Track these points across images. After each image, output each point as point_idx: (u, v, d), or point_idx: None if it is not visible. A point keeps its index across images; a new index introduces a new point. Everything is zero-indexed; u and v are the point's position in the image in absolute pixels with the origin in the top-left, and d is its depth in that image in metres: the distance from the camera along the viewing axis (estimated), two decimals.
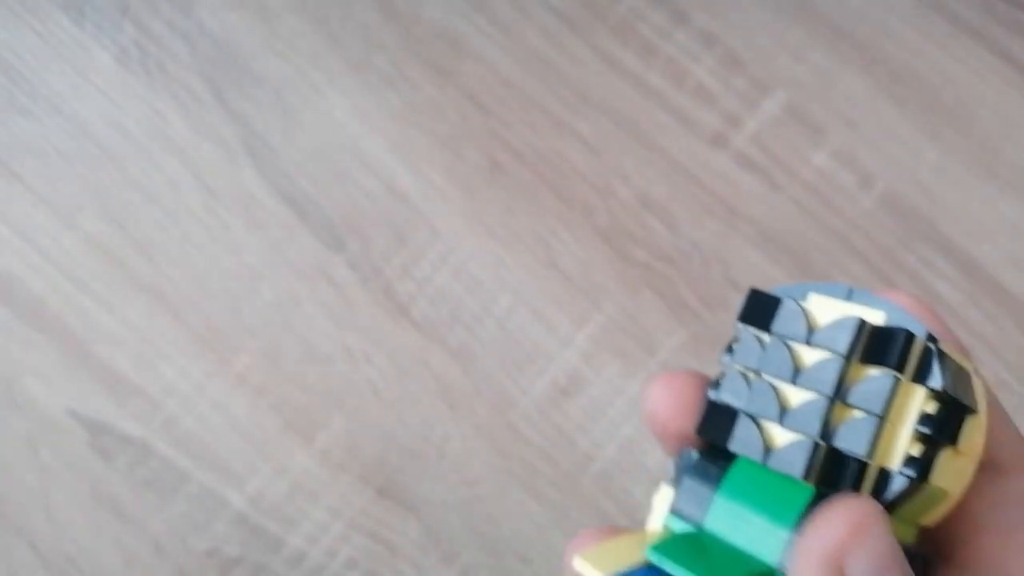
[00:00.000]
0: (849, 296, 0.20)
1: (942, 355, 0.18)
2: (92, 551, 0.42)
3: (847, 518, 0.16)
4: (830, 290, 0.20)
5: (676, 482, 0.20)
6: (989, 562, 0.18)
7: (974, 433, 0.19)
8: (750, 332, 0.20)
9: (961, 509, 0.19)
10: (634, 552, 0.19)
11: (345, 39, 0.45)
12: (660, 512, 0.21)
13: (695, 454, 0.20)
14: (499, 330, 0.43)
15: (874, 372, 0.18)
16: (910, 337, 0.18)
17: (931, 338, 0.19)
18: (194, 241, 0.44)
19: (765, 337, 0.20)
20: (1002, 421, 0.20)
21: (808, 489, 0.18)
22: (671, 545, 0.19)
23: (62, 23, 0.46)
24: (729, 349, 0.21)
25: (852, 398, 0.18)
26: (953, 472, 0.19)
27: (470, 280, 0.43)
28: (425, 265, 0.43)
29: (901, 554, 0.16)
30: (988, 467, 0.20)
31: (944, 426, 0.18)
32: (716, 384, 0.20)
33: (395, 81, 0.45)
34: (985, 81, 0.43)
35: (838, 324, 0.18)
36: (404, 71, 0.45)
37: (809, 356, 0.19)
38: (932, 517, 0.20)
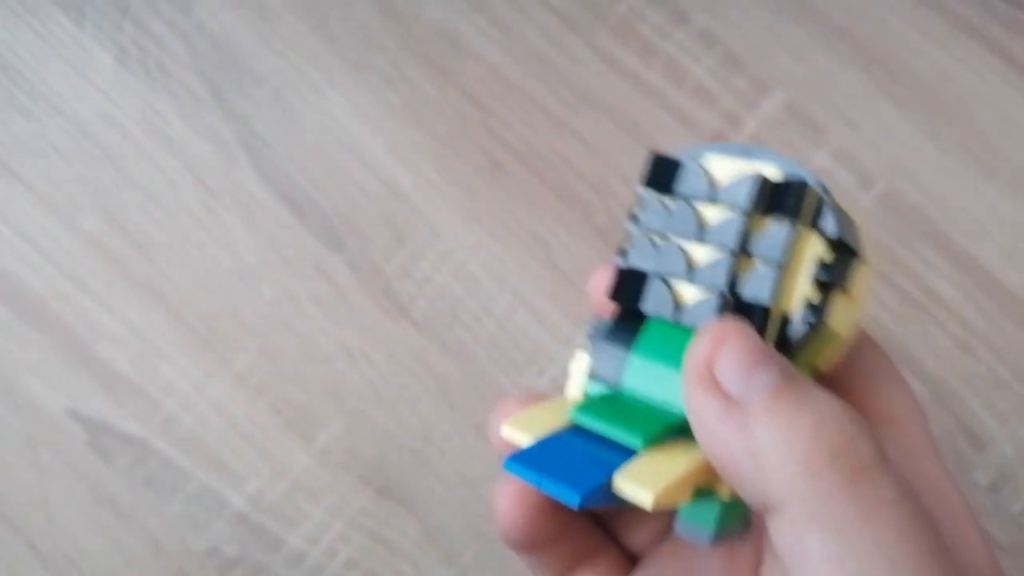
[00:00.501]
0: (744, 153, 0.20)
1: (834, 202, 0.19)
2: (91, 551, 0.42)
3: (710, 334, 0.17)
4: (725, 148, 0.20)
5: (591, 349, 0.21)
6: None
7: (862, 279, 0.20)
8: (654, 197, 0.20)
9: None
10: (558, 416, 0.20)
11: (344, 39, 0.45)
12: (577, 379, 0.21)
13: (608, 320, 0.21)
14: (498, 329, 0.43)
15: (773, 223, 0.19)
16: (803, 186, 0.19)
17: (823, 188, 0.19)
18: (193, 240, 0.44)
19: (669, 201, 0.20)
20: None
21: None
22: (593, 405, 0.20)
23: (62, 23, 0.46)
24: (633, 218, 0.21)
25: (754, 250, 0.19)
26: (845, 316, 0.20)
27: (469, 280, 0.43)
28: (424, 265, 0.43)
29: (768, 351, 0.17)
30: None
31: (838, 272, 0.19)
32: (623, 252, 0.21)
33: (394, 81, 0.45)
34: (985, 81, 0.43)
35: (739, 180, 0.19)
36: (404, 71, 0.45)
37: (712, 214, 0.20)
38: (826, 360, 0.21)
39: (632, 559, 0.23)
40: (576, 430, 0.20)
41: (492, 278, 0.43)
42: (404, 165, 0.44)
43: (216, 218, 0.44)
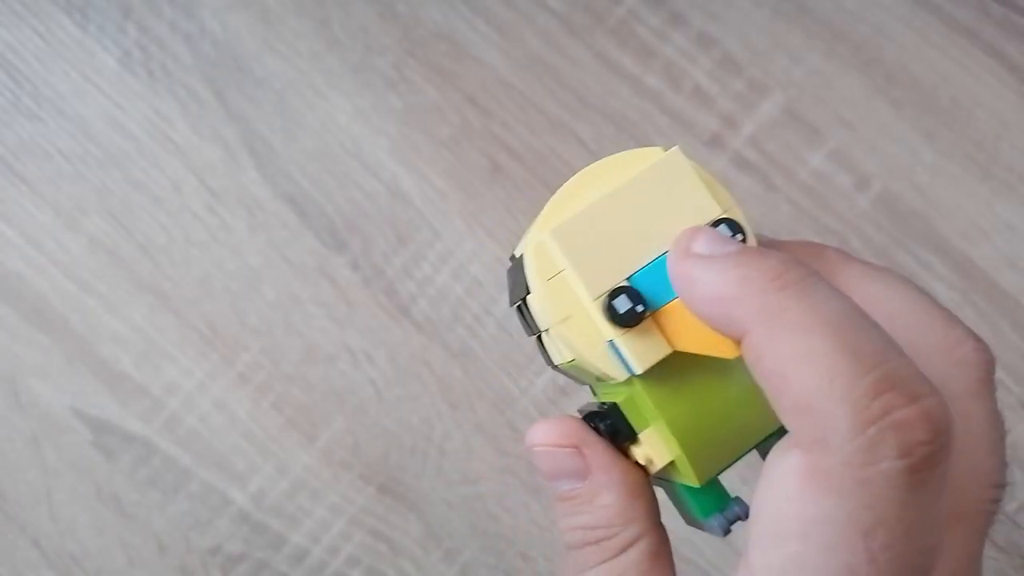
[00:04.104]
0: None
1: None
2: (95, 549, 0.42)
3: (683, 235, 0.21)
4: None
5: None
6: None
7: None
8: None
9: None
10: None
11: (346, 41, 0.45)
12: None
13: None
14: (499, 330, 0.43)
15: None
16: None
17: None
18: (196, 242, 0.44)
19: None
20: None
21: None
22: None
23: (65, 25, 0.46)
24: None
25: None
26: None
27: (470, 280, 0.43)
28: (426, 266, 0.43)
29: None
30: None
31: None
32: None
33: (395, 83, 0.45)
34: (980, 82, 0.44)
35: None
36: (404, 73, 0.45)
37: None
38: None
39: None
40: None
41: (492, 278, 0.43)
42: (405, 167, 0.44)
43: (219, 220, 0.44)
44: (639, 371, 0.20)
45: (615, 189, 0.21)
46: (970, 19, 0.44)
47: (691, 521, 0.23)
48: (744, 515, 0.22)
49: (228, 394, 0.43)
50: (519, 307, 0.23)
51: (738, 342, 0.18)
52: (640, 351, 0.20)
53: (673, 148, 0.22)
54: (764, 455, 0.23)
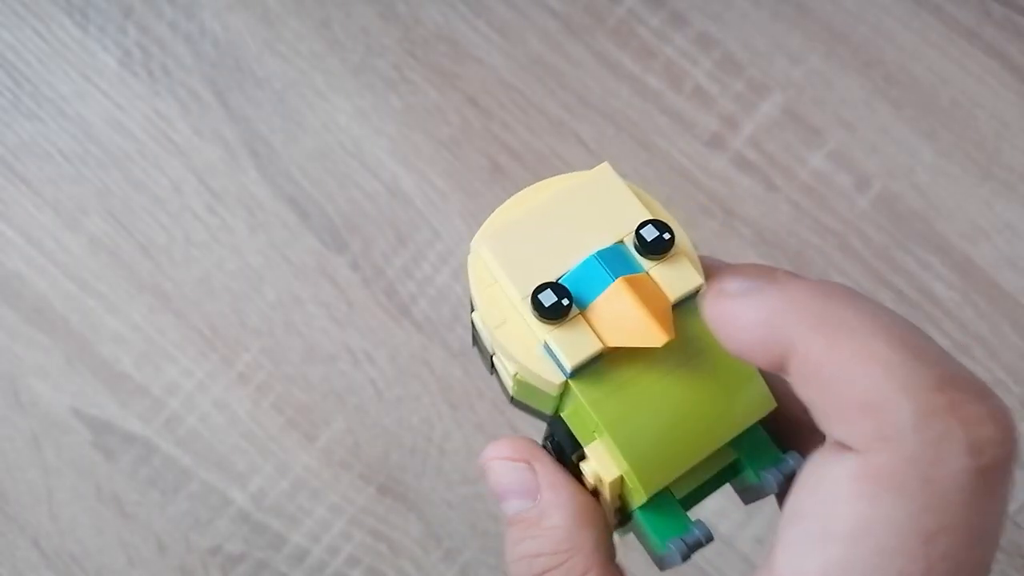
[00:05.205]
0: None
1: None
2: (95, 549, 0.42)
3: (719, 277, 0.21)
4: None
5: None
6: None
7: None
8: None
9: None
10: None
11: (346, 42, 0.45)
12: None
13: None
14: None
15: None
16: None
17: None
18: (197, 242, 0.44)
19: None
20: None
21: None
22: None
23: (65, 26, 0.46)
24: None
25: None
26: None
27: None
28: (426, 266, 0.43)
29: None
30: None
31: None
32: None
33: (396, 83, 0.45)
34: (981, 83, 0.44)
35: None
36: (405, 74, 0.45)
37: None
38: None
39: None
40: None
41: None
42: (405, 167, 0.44)
43: (219, 220, 0.44)
44: (570, 367, 0.20)
45: (544, 200, 0.22)
46: (970, 20, 0.44)
47: (658, 561, 0.23)
48: (706, 539, 0.21)
49: (228, 394, 0.43)
50: (474, 340, 0.23)
51: (778, 366, 0.17)
52: (570, 347, 0.20)
53: (602, 164, 0.23)
54: (744, 499, 0.23)
